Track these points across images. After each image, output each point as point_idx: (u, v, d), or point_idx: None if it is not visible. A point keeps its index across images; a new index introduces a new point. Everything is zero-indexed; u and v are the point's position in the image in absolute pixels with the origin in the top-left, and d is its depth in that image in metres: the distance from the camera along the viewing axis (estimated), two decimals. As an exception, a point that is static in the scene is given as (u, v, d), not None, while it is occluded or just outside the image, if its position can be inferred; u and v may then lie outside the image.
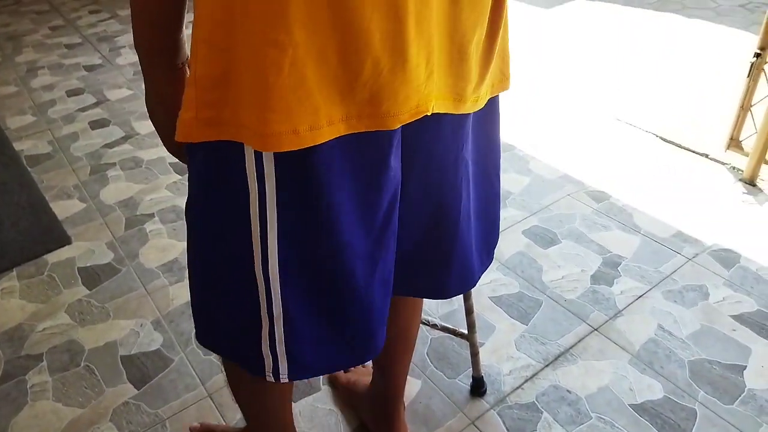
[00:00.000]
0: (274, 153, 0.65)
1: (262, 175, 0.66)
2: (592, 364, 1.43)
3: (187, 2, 0.71)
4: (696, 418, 1.30)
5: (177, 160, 0.87)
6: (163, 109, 0.78)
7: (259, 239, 0.70)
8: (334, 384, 1.39)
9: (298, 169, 0.66)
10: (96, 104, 2.76)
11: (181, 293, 1.67)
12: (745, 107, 2.05)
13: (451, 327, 1.38)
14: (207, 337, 0.86)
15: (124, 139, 2.46)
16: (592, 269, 1.71)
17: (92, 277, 1.74)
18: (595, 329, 1.52)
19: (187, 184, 0.85)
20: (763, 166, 2.02)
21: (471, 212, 0.88)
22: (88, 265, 1.79)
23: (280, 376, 0.79)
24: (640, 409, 1.32)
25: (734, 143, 2.12)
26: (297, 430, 1.27)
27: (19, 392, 1.41)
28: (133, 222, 1.96)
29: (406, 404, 1.31)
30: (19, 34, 3.64)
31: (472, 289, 1.17)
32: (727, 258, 1.73)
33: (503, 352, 1.47)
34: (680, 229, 1.84)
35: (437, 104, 0.70)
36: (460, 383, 1.39)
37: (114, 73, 3.06)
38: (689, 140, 2.27)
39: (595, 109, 2.54)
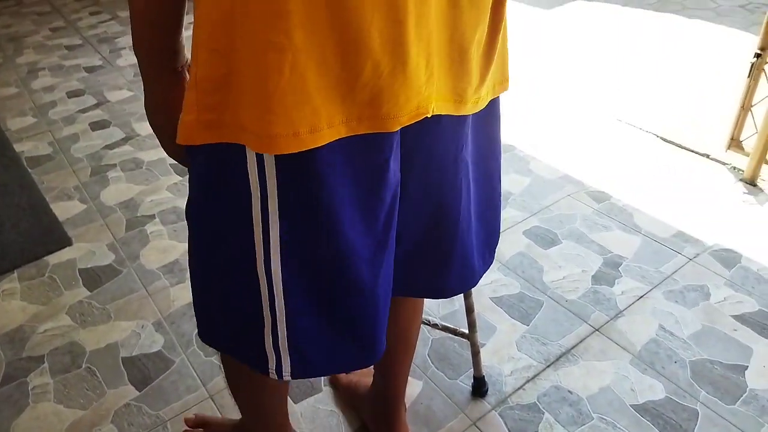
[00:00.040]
0: (275, 155, 0.65)
1: (264, 176, 0.67)
2: (594, 365, 1.42)
3: (187, 4, 0.71)
4: (697, 418, 1.30)
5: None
6: (163, 112, 0.78)
7: (261, 240, 0.71)
8: (335, 385, 1.39)
9: (299, 170, 0.66)
10: (96, 105, 2.76)
11: (182, 294, 1.67)
12: (745, 107, 2.05)
13: (452, 326, 1.38)
14: (209, 336, 0.87)
15: (125, 140, 2.46)
16: (592, 269, 1.71)
17: (93, 278, 1.75)
18: (597, 329, 1.52)
19: (187, 185, 0.85)
20: (764, 166, 2.01)
21: (471, 212, 0.88)
22: (88, 266, 1.79)
23: (283, 374, 0.79)
24: (642, 409, 1.32)
25: (735, 143, 2.12)
26: (298, 431, 1.27)
27: (20, 394, 1.41)
28: (134, 223, 1.96)
29: (407, 405, 1.31)
30: (20, 36, 3.64)
31: (473, 289, 1.17)
32: (728, 258, 1.72)
33: (504, 352, 1.47)
34: (681, 229, 1.84)
35: (438, 105, 0.70)
36: (461, 384, 1.39)
37: (114, 75, 3.07)
38: (690, 140, 2.27)
39: (595, 110, 2.54)
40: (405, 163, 0.75)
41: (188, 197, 0.79)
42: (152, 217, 1.99)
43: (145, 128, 2.53)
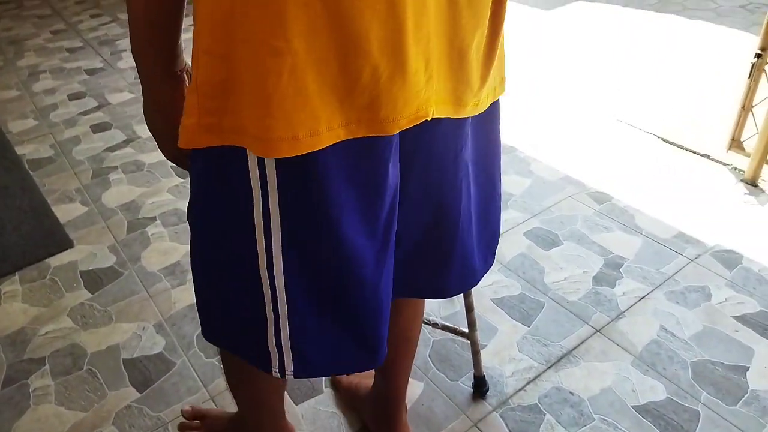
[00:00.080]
0: (276, 158, 0.65)
1: (265, 178, 0.67)
2: (595, 366, 1.42)
3: (186, 5, 0.71)
4: (699, 419, 1.29)
5: (178, 163, 0.88)
6: (161, 115, 0.78)
7: (263, 241, 0.71)
8: (336, 386, 1.39)
9: (300, 173, 0.66)
10: (97, 108, 2.76)
11: (183, 296, 1.67)
12: (746, 108, 2.05)
13: (452, 326, 1.38)
14: (213, 334, 0.87)
15: (126, 142, 2.46)
16: (593, 270, 1.71)
17: (94, 280, 1.75)
18: (598, 331, 1.52)
19: (188, 187, 0.85)
20: (765, 167, 2.01)
21: (472, 212, 0.88)
22: (90, 268, 1.79)
23: (286, 372, 0.80)
24: (643, 410, 1.32)
25: (735, 144, 2.12)
26: (298, 431, 1.27)
27: (21, 396, 1.41)
28: (135, 225, 1.97)
29: (408, 406, 1.31)
30: (21, 38, 3.65)
31: (473, 290, 1.17)
32: (729, 259, 1.72)
33: (505, 353, 1.47)
34: (682, 230, 1.84)
35: (437, 108, 0.71)
36: (462, 385, 1.39)
37: (115, 77, 3.07)
38: (690, 141, 2.27)
39: (596, 111, 2.54)
40: (405, 163, 0.75)
41: (190, 199, 0.80)
42: (153, 219, 1.99)
43: (146, 130, 2.52)
